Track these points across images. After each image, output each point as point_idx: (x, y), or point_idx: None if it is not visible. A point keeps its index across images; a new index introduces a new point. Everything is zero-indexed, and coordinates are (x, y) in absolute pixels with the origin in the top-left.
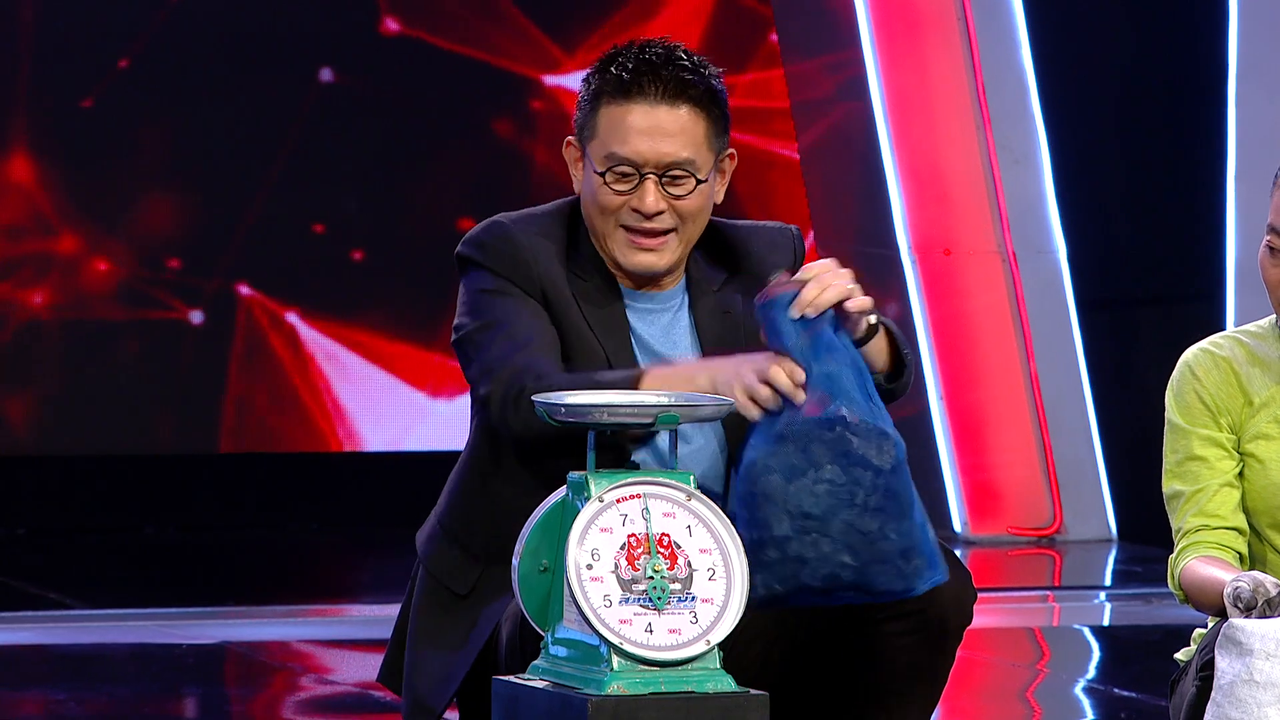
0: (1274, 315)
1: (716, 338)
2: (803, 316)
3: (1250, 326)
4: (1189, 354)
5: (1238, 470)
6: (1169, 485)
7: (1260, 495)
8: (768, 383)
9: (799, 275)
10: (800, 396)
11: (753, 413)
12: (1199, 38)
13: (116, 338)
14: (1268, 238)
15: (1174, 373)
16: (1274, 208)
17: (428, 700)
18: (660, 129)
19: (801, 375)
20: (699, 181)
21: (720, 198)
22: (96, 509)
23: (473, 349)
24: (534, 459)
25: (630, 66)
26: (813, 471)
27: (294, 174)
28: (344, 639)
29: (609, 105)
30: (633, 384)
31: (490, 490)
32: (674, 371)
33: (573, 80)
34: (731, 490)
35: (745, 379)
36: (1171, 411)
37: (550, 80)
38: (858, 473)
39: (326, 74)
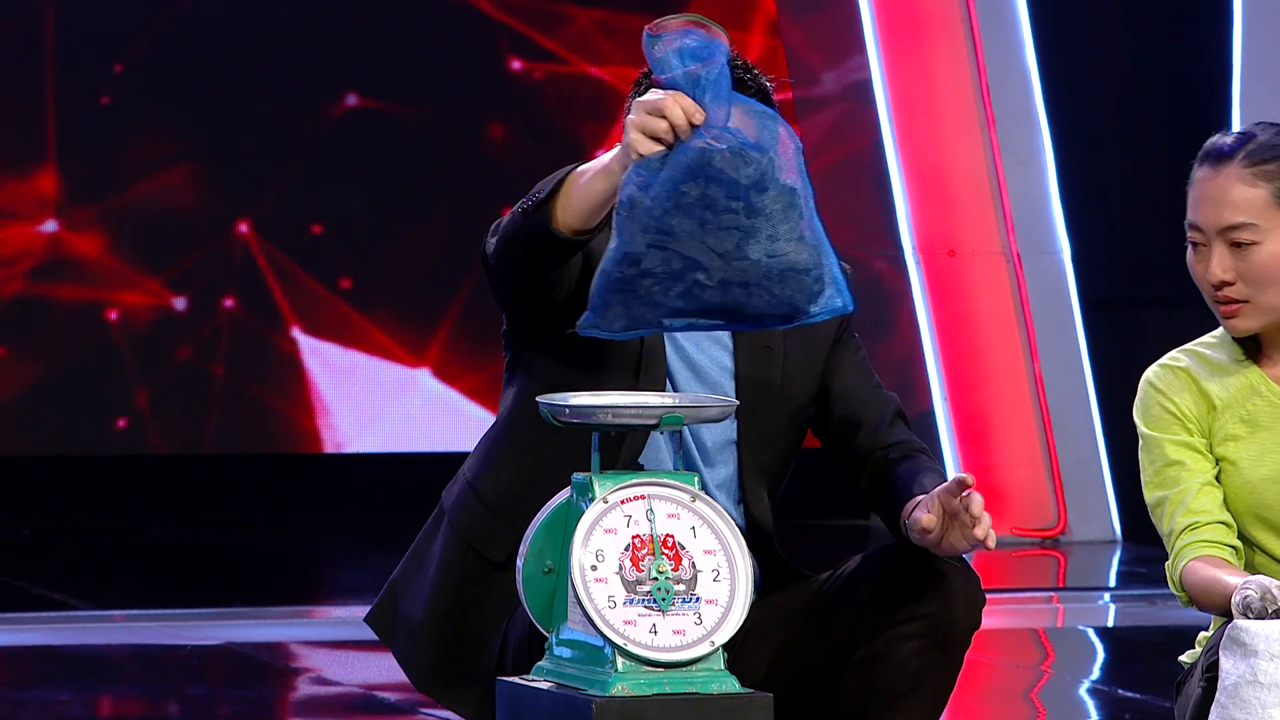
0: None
1: (752, 368)
2: (689, 54)
3: (1204, 338)
4: (1148, 373)
5: (1215, 473)
6: (1151, 495)
7: (1237, 496)
8: (663, 117)
9: None
10: (687, 131)
11: (644, 147)
12: (1203, 38)
13: (121, 338)
14: (1189, 234)
15: (1137, 393)
16: (1190, 204)
17: (457, 690)
18: None
19: (700, 115)
20: None
21: None
22: (101, 510)
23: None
24: (521, 281)
25: None
26: (669, 187)
27: (299, 174)
28: (348, 640)
29: None
30: (559, 185)
31: (528, 453)
32: (591, 164)
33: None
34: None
35: (637, 118)
36: (1141, 427)
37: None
38: (713, 189)
39: (352, 97)
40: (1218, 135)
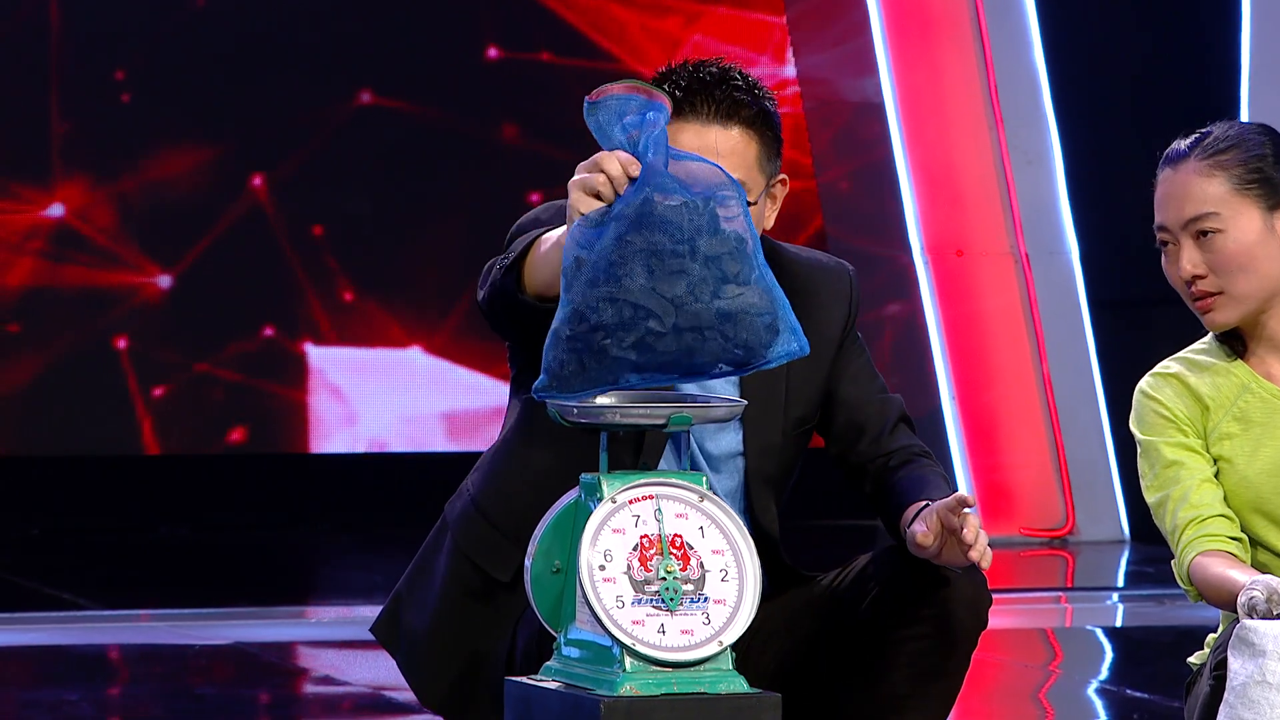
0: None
1: (757, 381)
2: (626, 120)
3: (1193, 345)
4: (1141, 383)
5: (1214, 471)
6: (1152, 496)
7: (1236, 493)
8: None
9: None
10: (624, 183)
11: (585, 206)
12: (1211, 38)
13: (129, 337)
14: (1158, 237)
15: (1133, 404)
16: (1155, 208)
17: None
18: (711, 149)
19: (636, 167)
20: (749, 204)
21: (771, 224)
22: (109, 510)
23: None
24: (514, 330)
25: (683, 84)
26: (614, 239)
27: (308, 171)
28: (355, 639)
29: None
30: (529, 248)
31: (532, 470)
32: (551, 234)
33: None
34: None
35: (578, 176)
36: (1138, 434)
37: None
38: (658, 236)
39: (365, 95)
40: (1177, 139)
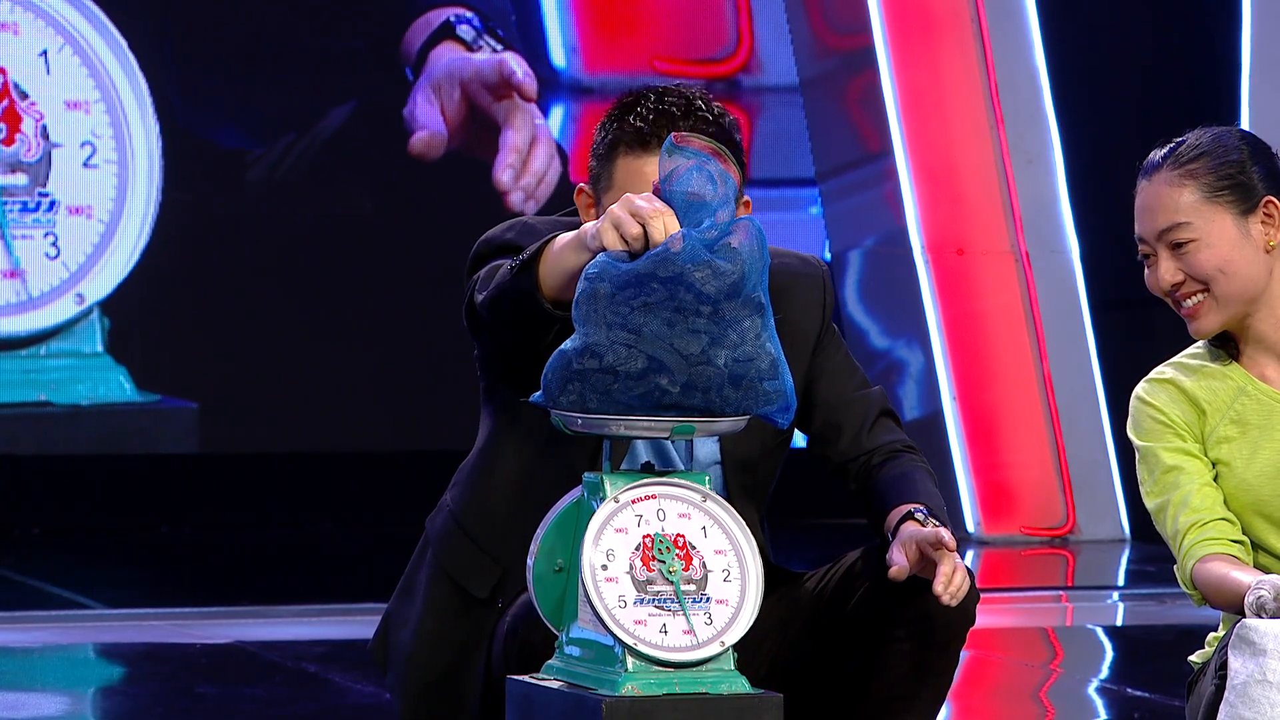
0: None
1: None
2: (702, 178)
3: (1187, 350)
4: (1137, 390)
5: (1213, 475)
6: (1152, 502)
7: (1235, 496)
8: (641, 223)
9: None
10: (656, 250)
11: (610, 240)
12: (1212, 37)
13: (131, 333)
14: (1139, 249)
15: (1129, 411)
16: (1135, 219)
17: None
18: None
19: (678, 240)
20: None
21: None
22: (110, 509)
23: (475, 290)
24: (504, 336)
25: (649, 118)
26: (638, 287)
27: (312, 166)
28: (357, 639)
29: (626, 156)
30: (542, 249)
31: (508, 485)
32: (566, 235)
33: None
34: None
35: (618, 213)
36: (1136, 441)
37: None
38: (682, 293)
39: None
40: (1154, 149)
